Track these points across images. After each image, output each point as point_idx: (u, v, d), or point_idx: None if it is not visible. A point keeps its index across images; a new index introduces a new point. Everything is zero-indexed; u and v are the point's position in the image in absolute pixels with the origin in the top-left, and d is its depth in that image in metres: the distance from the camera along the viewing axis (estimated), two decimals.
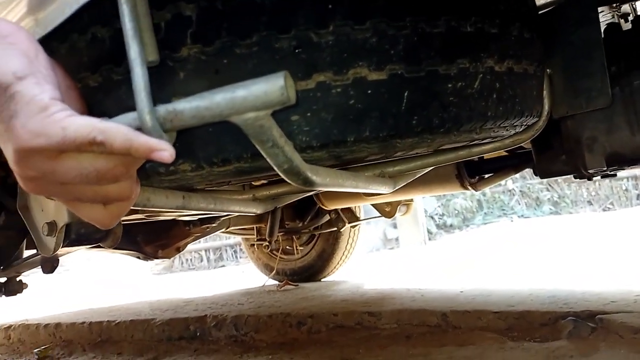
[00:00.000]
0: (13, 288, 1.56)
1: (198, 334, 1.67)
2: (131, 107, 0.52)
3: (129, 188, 0.49)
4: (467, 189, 1.72)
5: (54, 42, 0.57)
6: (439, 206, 6.69)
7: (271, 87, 0.42)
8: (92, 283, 5.09)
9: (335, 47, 0.52)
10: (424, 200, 6.38)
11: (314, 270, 2.76)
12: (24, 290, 1.60)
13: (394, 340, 1.39)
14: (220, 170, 0.57)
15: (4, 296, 1.56)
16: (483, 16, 0.59)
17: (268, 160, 0.50)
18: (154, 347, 1.66)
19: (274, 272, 2.77)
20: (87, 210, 0.50)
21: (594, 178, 1.16)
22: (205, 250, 6.74)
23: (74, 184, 0.46)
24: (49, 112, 0.42)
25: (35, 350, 1.80)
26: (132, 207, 0.57)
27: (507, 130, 0.70)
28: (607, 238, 2.94)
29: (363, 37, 0.53)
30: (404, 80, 0.54)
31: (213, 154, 0.55)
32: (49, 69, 0.46)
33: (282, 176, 0.52)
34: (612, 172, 1.10)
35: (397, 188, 0.94)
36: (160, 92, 0.51)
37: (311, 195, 2.40)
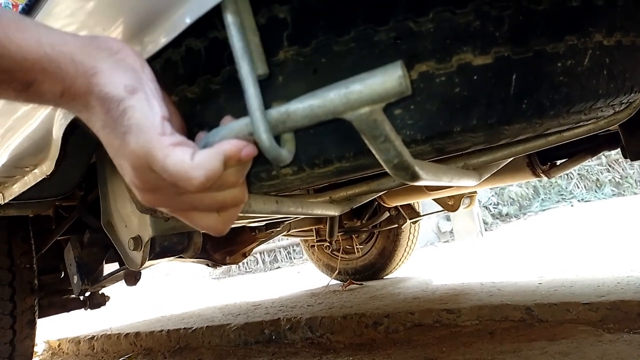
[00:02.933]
0: (97, 301, 1.63)
1: (273, 337, 1.68)
2: (231, 113, 0.52)
3: (242, 193, 0.49)
4: (539, 177, 1.64)
5: (149, 58, 0.58)
6: (492, 195, 6.48)
7: (389, 78, 0.40)
8: (157, 290, 5.28)
9: (436, 34, 0.50)
10: (477, 199, 6.19)
11: (376, 269, 2.73)
12: (107, 303, 1.67)
13: (478, 337, 1.34)
14: (321, 171, 0.56)
15: (89, 309, 1.64)
16: None
17: (377, 156, 0.48)
18: (232, 352, 1.68)
19: (337, 272, 2.76)
20: (202, 219, 0.50)
21: None
22: (260, 253, 6.84)
23: (192, 194, 0.46)
24: (162, 133, 0.43)
25: (121, 359, 1.87)
26: None
27: (614, 108, 0.65)
28: None
29: (465, 20, 0.50)
30: (511, 63, 0.51)
31: (315, 155, 0.54)
32: (155, 82, 0.47)
33: (390, 172, 0.50)
34: None
35: (482, 179, 0.91)
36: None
37: None
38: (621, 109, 0.72)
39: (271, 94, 0.52)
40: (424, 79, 0.50)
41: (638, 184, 5.93)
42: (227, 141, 0.46)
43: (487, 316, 1.44)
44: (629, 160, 1.12)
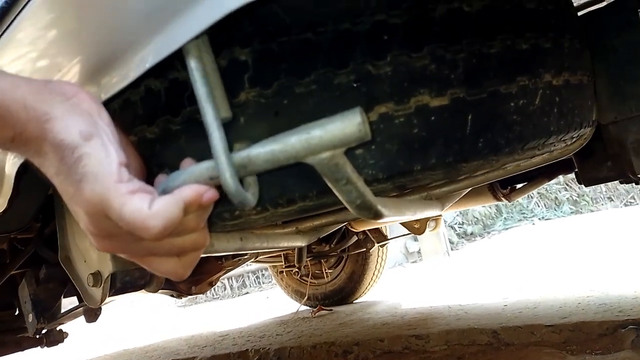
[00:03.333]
0: (54, 339, 1.55)
1: None
2: (191, 155, 0.52)
3: (203, 237, 0.49)
4: (500, 200, 1.69)
5: (107, 99, 0.57)
6: (457, 215, 6.61)
7: (349, 124, 0.41)
8: (120, 319, 5.08)
9: (394, 77, 0.51)
10: (442, 222, 6.30)
11: (345, 293, 2.72)
12: (64, 339, 1.59)
13: None
14: (284, 210, 0.56)
15: (45, 347, 1.56)
16: (536, 31, 0.58)
17: (340, 197, 0.48)
18: None
19: (306, 298, 2.73)
20: (161, 264, 0.49)
21: None
22: (228, 279, 6.71)
23: (150, 241, 0.45)
24: (119, 180, 0.42)
25: None
26: None
27: (565, 143, 0.68)
28: (632, 234, 2.86)
29: (422, 64, 0.52)
30: (466, 104, 0.53)
31: (278, 195, 0.53)
32: (112, 126, 0.46)
33: (353, 211, 0.51)
34: None
35: (445, 209, 0.92)
36: None
37: None
38: (573, 142, 0.76)
39: (233, 135, 0.52)
40: (384, 120, 0.51)
41: (594, 201, 6.17)
42: (188, 187, 0.45)
43: (455, 341, 1.45)
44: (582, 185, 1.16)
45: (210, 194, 0.45)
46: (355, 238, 2.46)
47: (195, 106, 0.52)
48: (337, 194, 0.48)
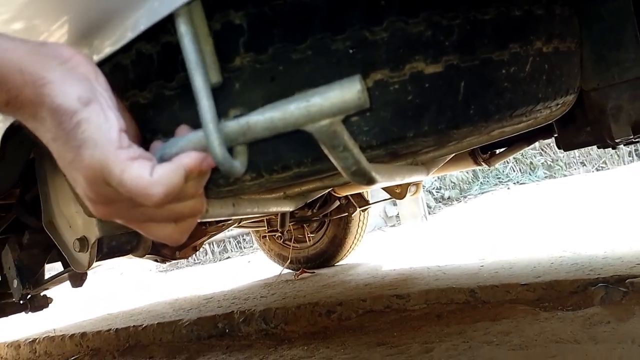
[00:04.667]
0: (39, 304, 1.55)
1: (227, 330, 1.68)
2: (186, 121, 0.51)
3: (201, 203, 0.49)
4: (481, 165, 1.72)
5: (97, 63, 0.56)
6: (435, 180, 6.72)
7: (348, 92, 0.41)
8: (101, 286, 5.09)
9: (390, 43, 0.51)
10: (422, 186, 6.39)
11: (327, 256, 2.78)
12: (49, 305, 1.59)
13: (426, 320, 1.41)
14: (279, 177, 0.56)
15: (30, 312, 1.56)
16: None
17: (336, 164, 0.49)
18: (184, 348, 1.67)
19: (289, 261, 2.78)
20: (159, 230, 0.49)
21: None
22: (210, 244, 6.74)
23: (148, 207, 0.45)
24: (119, 147, 0.42)
25: None
26: None
27: (550, 109, 0.69)
28: (603, 198, 2.98)
29: (417, 30, 0.52)
30: (460, 71, 0.54)
31: (273, 161, 0.54)
32: (109, 90, 0.45)
33: (348, 178, 0.52)
34: (637, 139, 1.11)
35: (430, 174, 0.94)
36: (218, 105, 0.50)
37: None
38: (557, 108, 0.78)
39: (228, 101, 0.52)
40: (379, 87, 0.52)
41: (567, 166, 6.34)
42: (187, 154, 0.45)
43: (434, 300, 1.51)
44: (561, 149, 1.20)
45: (210, 161, 0.45)
46: (337, 203, 2.49)
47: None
48: (333, 160, 0.49)
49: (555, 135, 1.24)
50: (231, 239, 6.67)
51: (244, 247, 6.64)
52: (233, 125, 0.44)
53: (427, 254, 2.45)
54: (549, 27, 0.61)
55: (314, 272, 2.60)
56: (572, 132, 1.14)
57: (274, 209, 0.93)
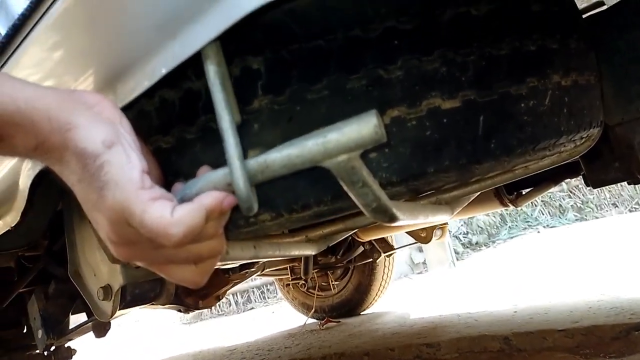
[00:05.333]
0: (63, 356, 1.54)
1: None
2: (206, 163, 0.52)
3: (220, 243, 0.49)
4: (507, 206, 1.69)
5: (122, 108, 0.58)
6: (462, 225, 6.60)
7: (365, 126, 0.41)
8: (125, 338, 5.05)
9: (405, 80, 0.52)
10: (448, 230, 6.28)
11: (352, 304, 2.71)
12: (73, 356, 1.58)
13: None
14: (299, 216, 0.56)
15: None
16: (543, 33, 0.58)
17: (356, 201, 0.49)
18: None
19: (313, 310, 2.72)
20: (179, 272, 0.49)
21: None
22: (233, 294, 6.67)
23: (168, 248, 0.45)
24: (141, 187, 0.42)
25: None
26: None
27: (575, 143, 0.68)
28: (639, 239, 2.85)
29: (432, 67, 0.52)
30: (478, 106, 0.54)
31: (293, 201, 0.54)
32: (133, 134, 0.47)
33: (368, 215, 0.51)
34: None
35: (455, 213, 0.93)
36: None
37: None
38: (581, 142, 0.76)
39: (247, 141, 0.52)
40: (396, 123, 0.52)
41: (599, 208, 6.15)
42: (208, 194, 0.45)
43: (466, 348, 1.43)
44: (590, 187, 1.16)
45: (230, 200, 0.45)
46: (361, 248, 2.45)
47: (209, 114, 0.53)
48: (353, 197, 0.48)
49: (583, 173, 1.21)
50: (255, 289, 6.60)
51: (268, 298, 6.54)
52: (251, 163, 0.45)
53: (456, 301, 2.36)
54: (566, 61, 0.61)
55: (339, 322, 2.53)
56: (599, 169, 1.12)
57: (295, 252, 0.92)
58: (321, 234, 1.02)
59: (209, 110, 0.53)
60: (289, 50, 0.52)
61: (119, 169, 0.42)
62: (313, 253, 1.03)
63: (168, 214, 0.42)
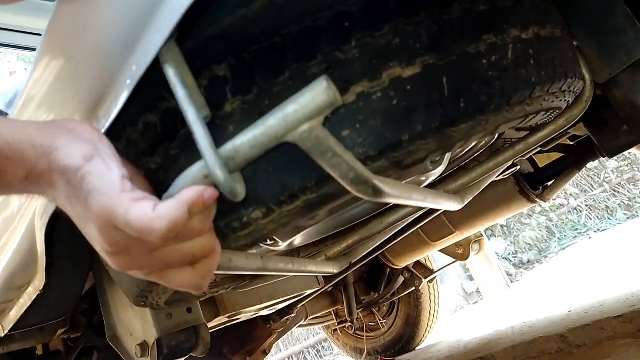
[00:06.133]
0: None
1: None
2: None
3: (211, 241, 0.50)
4: (535, 202, 1.64)
5: (113, 142, 0.62)
6: (509, 245, 6.35)
7: (316, 92, 0.43)
8: None
9: (362, 57, 0.54)
10: (492, 243, 6.08)
11: (405, 340, 2.60)
12: None
13: None
14: (290, 208, 0.57)
15: None
16: None
17: (333, 174, 0.50)
18: None
19: (365, 353, 2.63)
20: (177, 276, 0.50)
21: None
22: (288, 358, 6.51)
23: (161, 248, 0.47)
24: (122, 190, 0.45)
25: None
26: (216, 273, 0.58)
27: (557, 98, 0.68)
28: None
29: (386, 40, 0.54)
30: (438, 68, 0.55)
31: (279, 192, 0.55)
32: (113, 149, 0.50)
33: (351, 189, 0.52)
34: None
35: (466, 203, 0.91)
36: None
37: (380, 262, 2.34)
38: (569, 99, 0.76)
39: (224, 143, 0.55)
40: (362, 98, 0.54)
41: None
42: (188, 189, 0.47)
43: (522, 355, 1.35)
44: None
45: (210, 191, 0.47)
46: (401, 278, 2.39)
47: (188, 127, 0.56)
48: (329, 170, 0.49)
49: (596, 144, 1.18)
50: (310, 349, 6.43)
51: (324, 356, 6.34)
52: (221, 152, 0.47)
53: (512, 318, 2.25)
54: (522, 16, 0.62)
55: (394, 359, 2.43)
56: (610, 136, 1.09)
57: (313, 269, 0.91)
58: (340, 250, 1.02)
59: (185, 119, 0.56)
60: (250, 53, 0.55)
61: (100, 177, 0.45)
62: (336, 271, 1.02)
63: (150, 210, 0.44)
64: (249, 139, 0.46)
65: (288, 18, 0.55)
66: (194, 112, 0.47)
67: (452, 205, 0.84)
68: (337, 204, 0.64)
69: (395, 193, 0.58)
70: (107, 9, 0.49)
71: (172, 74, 0.48)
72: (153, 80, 0.54)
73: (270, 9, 0.55)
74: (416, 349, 2.56)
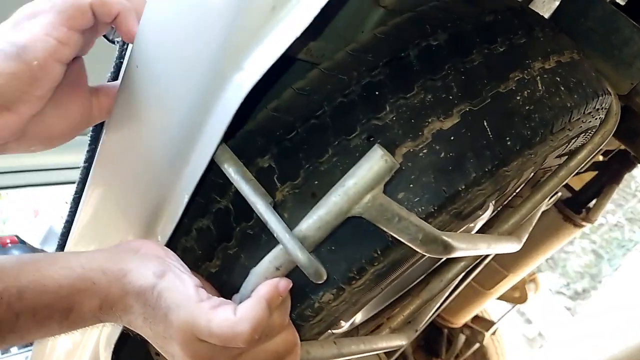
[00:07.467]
0: None
1: None
2: (255, 266, 0.54)
3: (292, 334, 0.48)
4: (582, 226, 1.59)
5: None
6: (559, 277, 6.07)
7: (373, 160, 0.43)
8: None
9: (400, 119, 0.55)
10: (542, 280, 5.82)
11: None
12: None
13: None
14: (360, 284, 0.55)
15: None
16: (506, 34, 0.62)
17: (402, 239, 0.48)
18: None
19: None
20: None
21: None
22: None
23: (245, 352, 0.45)
24: (199, 300, 0.44)
25: None
26: None
27: (593, 116, 0.67)
28: None
29: (419, 99, 0.55)
30: (476, 113, 0.55)
31: (347, 269, 0.53)
32: (180, 261, 0.50)
33: (421, 250, 0.50)
34: None
35: (524, 241, 0.88)
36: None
37: (435, 325, 2.23)
38: (602, 116, 0.75)
39: None
40: (409, 157, 0.54)
41: None
42: (262, 285, 0.46)
43: None
44: None
45: (284, 282, 0.46)
46: (462, 337, 2.27)
47: (242, 223, 0.56)
48: (397, 236, 0.48)
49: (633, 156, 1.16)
50: None
51: None
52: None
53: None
54: (539, 49, 0.63)
55: None
56: None
57: (383, 345, 0.87)
58: (403, 319, 0.98)
59: (241, 219, 0.56)
60: (289, 139, 0.56)
61: (175, 291, 0.44)
62: (404, 342, 0.97)
63: (231, 314, 0.43)
64: (314, 221, 0.45)
65: (319, 100, 0.56)
66: (262, 202, 0.47)
67: (512, 246, 0.81)
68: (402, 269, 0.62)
69: (464, 246, 0.56)
70: (155, 130, 0.50)
71: (232, 172, 0.48)
72: (202, 186, 0.55)
73: (300, 96, 0.57)
74: None
